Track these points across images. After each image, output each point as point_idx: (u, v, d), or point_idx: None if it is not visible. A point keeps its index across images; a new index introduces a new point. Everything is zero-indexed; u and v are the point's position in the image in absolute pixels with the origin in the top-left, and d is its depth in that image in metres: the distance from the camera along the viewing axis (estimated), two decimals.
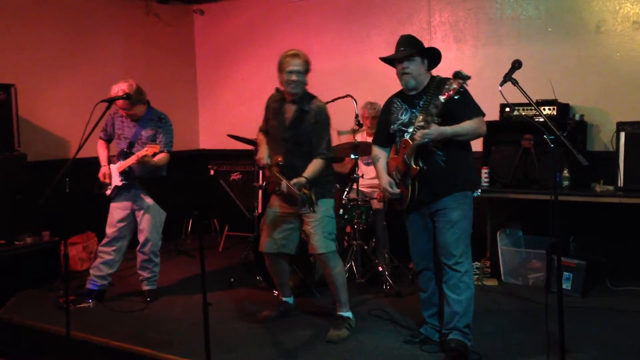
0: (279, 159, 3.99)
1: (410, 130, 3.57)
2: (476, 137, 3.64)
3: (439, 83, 3.56)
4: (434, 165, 3.56)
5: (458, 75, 3.32)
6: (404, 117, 3.67)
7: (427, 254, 3.78)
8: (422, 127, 3.45)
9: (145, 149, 4.51)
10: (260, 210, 5.94)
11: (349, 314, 4.15)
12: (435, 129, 3.42)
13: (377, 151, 3.90)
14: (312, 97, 4.07)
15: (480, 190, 3.76)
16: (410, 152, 3.53)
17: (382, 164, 3.84)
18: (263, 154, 4.10)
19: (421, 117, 3.51)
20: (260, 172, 4.25)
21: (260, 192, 6.06)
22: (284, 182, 3.80)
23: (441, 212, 3.60)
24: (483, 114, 3.58)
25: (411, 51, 3.61)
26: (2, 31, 5.63)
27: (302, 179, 3.84)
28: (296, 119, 4.01)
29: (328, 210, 4.08)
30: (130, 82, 4.59)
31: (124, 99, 4.49)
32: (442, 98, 3.36)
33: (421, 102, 3.59)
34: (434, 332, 3.87)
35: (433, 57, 3.69)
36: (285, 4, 6.87)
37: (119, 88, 4.53)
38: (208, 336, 3.14)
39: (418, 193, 3.59)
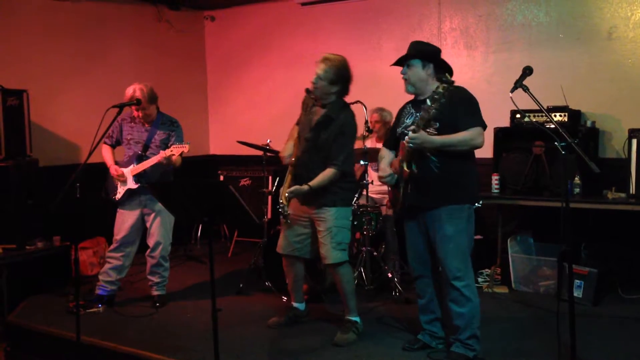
0: (297, 153, 4.03)
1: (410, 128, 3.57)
2: (470, 148, 3.54)
3: (447, 89, 3.44)
4: (427, 171, 3.53)
5: (433, 99, 3.31)
6: (408, 121, 3.68)
7: (424, 261, 3.76)
8: (413, 132, 3.43)
9: (171, 149, 4.53)
10: (269, 216, 5.93)
11: (357, 319, 4.14)
12: (421, 136, 3.40)
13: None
14: (344, 106, 4.02)
15: (481, 202, 3.67)
16: (404, 156, 3.57)
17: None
18: (285, 152, 4.11)
19: (415, 121, 3.49)
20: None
21: (269, 197, 6.06)
22: (282, 189, 3.87)
23: (437, 225, 3.57)
24: (482, 126, 3.50)
25: (404, 56, 3.64)
26: (15, 37, 5.68)
27: (303, 187, 3.86)
28: (320, 123, 3.97)
29: (338, 220, 4.00)
30: (145, 83, 4.65)
31: (134, 104, 4.55)
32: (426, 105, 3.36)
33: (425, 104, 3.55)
34: (431, 340, 3.86)
35: (437, 62, 3.64)
36: (295, 10, 6.89)
37: (134, 88, 4.57)
38: (217, 342, 3.14)
39: (410, 196, 3.60)
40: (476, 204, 3.67)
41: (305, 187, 3.86)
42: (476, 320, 3.61)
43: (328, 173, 3.90)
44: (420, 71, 3.61)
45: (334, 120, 3.93)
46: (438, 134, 3.48)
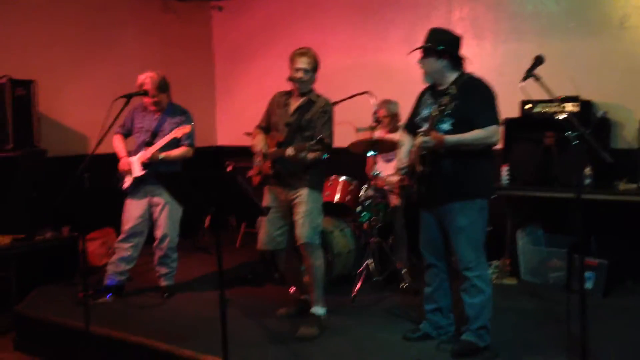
0: (280, 138, 4.07)
1: (423, 129, 3.55)
2: (486, 146, 3.51)
3: (464, 83, 3.50)
4: (441, 169, 3.52)
5: (447, 93, 3.38)
6: (425, 112, 3.65)
7: (437, 251, 3.76)
8: (424, 134, 3.43)
9: (174, 131, 4.58)
10: None
11: (321, 311, 4.14)
12: (433, 139, 3.40)
13: (404, 137, 3.88)
14: (319, 94, 4.16)
15: (495, 195, 3.65)
16: (417, 154, 3.56)
17: (404, 149, 3.80)
18: (258, 142, 4.17)
19: (427, 122, 3.49)
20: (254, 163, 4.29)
21: None
22: (289, 148, 3.87)
23: (449, 217, 3.58)
24: (497, 122, 3.48)
25: (419, 48, 3.61)
26: (22, 28, 5.67)
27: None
28: (302, 107, 4.09)
29: (317, 203, 4.11)
30: (158, 72, 4.70)
31: (142, 95, 4.54)
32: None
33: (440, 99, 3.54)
34: (433, 329, 3.86)
35: (454, 52, 3.59)
36: (303, 0, 6.85)
37: (147, 75, 4.62)
38: (225, 332, 3.14)
39: (423, 192, 3.59)
40: (490, 197, 3.64)
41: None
42: (487, 311, 3.61)
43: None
44: (434, 62, 3.58)
45: (315, 102, 4.08)
46: (453, 130, 3.46)
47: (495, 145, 3.55)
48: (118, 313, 4.50)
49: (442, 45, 3.54)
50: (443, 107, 3.37)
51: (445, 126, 3.48)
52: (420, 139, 3.46)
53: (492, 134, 3.45)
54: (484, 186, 3.62)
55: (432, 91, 3.70)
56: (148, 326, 4.21)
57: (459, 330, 3.79)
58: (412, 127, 3.79)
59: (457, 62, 3.60)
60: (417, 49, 3.64)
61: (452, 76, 3.59)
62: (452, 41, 3.61)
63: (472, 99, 3.46)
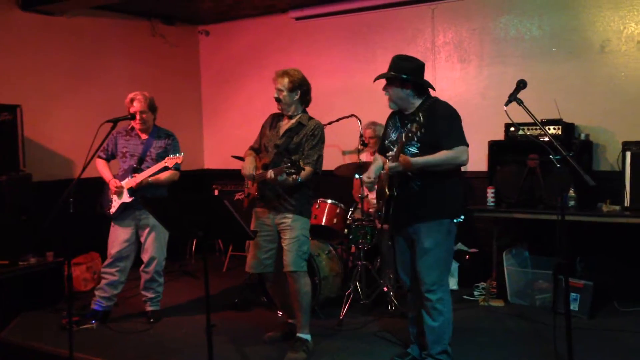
0: (266, 160, 4.06)
1: (391, 153, 3.59)
2: (454, 166, 3.55)
3: (429, 108, 3.54)
4: (408, 191, 3.56)
5: (415, 121, 3.38)
6: (393, 136, 3.71)
7: (413, 274, 3.76)
8: (392, 159, 3.47)
9: (165, 160, 4.57)
10: None
11: (308, 337, 4.11)
12: (399, 165, 3.44)
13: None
14: (312, 117, 4.16)
15: (462, 217, 3.65)
16: (385, 179, 3.60)
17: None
18: (247, 165, 4.13)
19: (396, 147, 3.52)
20: (245, 186, 4.29)
21: None
22: (270, 171, 3.87)
23: (416, 239, 3.59)
24: (465, 144, 3.49)
25: (383, 76, 3.65)
26: (8, 52, 5.67)
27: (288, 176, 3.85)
28: (292, 129, 4.09)
29: (305, 230, 4.09)
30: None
31: (128, 119, 4.55)
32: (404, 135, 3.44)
33: (408, 125, 3.53)
34: (420, 353, 3.84)
35: (417, 79, 3.61)
36: (290, 25, 6.91)
37: (139, 92, 4.66)
38: (212, 357, 3.12)
39: (393, 215, 3.62)
40: (457, 219, 3.64)
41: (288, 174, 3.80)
42: (447, 335, 3.62)
43: (305, 171, 3.93)
44: (398, 91, 3.61)
45: (305, 126, 4.07)
46: (419, 154, 3.49)
47: (464, 165, 3.57)
48: (103, 339, 4.44)
49: (405, 74, 3.57)
50: (411, 135, 3.39)
51: (412, 150, 3.52)
52: (387, 165, 3.49)
53: (460, 154, 3.46)
54: (451, 207, 3.62)
55: (400, 114, 3.74)
56: (133, 352, 4.17)
57: (421, 355, 3.79)
58: (383, 151, 3.82)
59: (421, 88, 3.64)
60: (379, 77, 3.68)
61: (417, 102, 3.63)
62: (415, 69, 3.63)
63: (437, 122, 3.49)
